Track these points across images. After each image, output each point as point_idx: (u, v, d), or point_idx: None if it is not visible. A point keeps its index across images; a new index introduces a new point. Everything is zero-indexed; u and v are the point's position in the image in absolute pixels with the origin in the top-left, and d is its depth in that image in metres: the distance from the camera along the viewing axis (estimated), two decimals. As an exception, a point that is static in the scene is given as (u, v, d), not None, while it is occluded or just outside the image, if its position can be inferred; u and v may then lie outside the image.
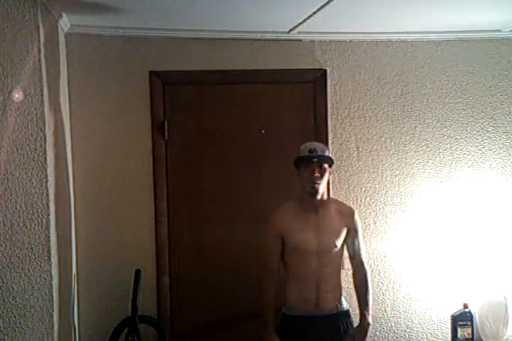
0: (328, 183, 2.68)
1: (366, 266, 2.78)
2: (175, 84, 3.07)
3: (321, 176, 2.59)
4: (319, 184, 2.59)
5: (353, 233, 2.71)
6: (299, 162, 2.63)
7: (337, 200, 2.83)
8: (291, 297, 2.67)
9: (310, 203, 2.64)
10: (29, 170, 2.33)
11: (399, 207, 3.20)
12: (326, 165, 2.62)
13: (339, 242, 2.67)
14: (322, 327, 2.63)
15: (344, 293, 2.76)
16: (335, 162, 2.73)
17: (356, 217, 2.75)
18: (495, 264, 3.18)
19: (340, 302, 2.70)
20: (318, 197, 2.62)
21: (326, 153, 2.65)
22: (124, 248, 3.01)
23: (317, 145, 2.66)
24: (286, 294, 2.68)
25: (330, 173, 2.68)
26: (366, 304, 2.72)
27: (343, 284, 2.77)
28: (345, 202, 3.14)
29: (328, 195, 2.73)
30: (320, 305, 2.63)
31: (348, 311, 2.72)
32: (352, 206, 2.89)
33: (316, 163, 2.58)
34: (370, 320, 2.71)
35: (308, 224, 2.64)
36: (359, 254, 2.76)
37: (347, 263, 3.16)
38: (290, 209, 2.69)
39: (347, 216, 2.71)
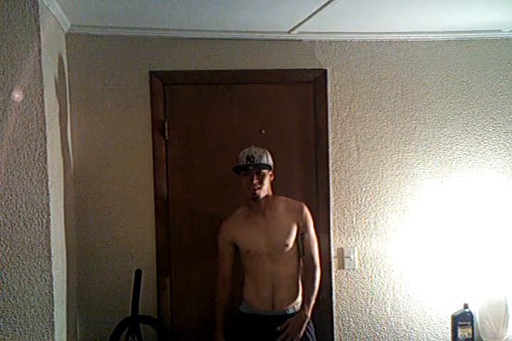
0: (271, 185, 2.75)
1: (316, 262, 2.76)
2: (175, 84, 3.07)
3: (261, 182, 2.68)
4: (259, 189, 2.68)
5: (302, 228, 2.74)
6: (238, 170, 2.71)
7: (286, 198, 2.82)
8: (248, 297, 2.74)
9: (256, 207, 2.74)
10: (29, 170, 2.33)
11: (399, 207, 3.20)
12: (264, 171, 2.70)
13: (290, 241, 2.71)
14: (277, 327, 2.66)
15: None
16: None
17: (305, 211, 2.77)
18: (495, 264, 3.18)
19: (297, 303, 2.72)
20: (261, 201, 2.70)
21: (264, 159, 2.70)
22: (124, 248, 3.01)
23: (255, 151, 2.71)
24: (243, 294, 2.76)
25: (272, 175, 2.75)
26: (308, 299, 2.70)
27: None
28: (345, 202, 3.16)
29: (273, 194, 2.76)
30: (276, 305, 2.68)
31: None
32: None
33: (254, 170, 2.66)
34: (308, 313, 2.68)
35: (257, 227, 2.72)
36: (309, 250, 2.75)
37: (348, 264, 3.17)
38: (239, 215, 2.79)
39: (295, 212, 2.75)
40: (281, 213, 2.74)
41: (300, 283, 2.75)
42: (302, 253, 2.76)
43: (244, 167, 2.68)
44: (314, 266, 2.76)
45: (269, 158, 2.74)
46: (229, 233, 2.77)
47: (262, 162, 2.69)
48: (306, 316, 2.67)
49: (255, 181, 2.66)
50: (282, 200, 2.79)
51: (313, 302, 2.71)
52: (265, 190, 2.70)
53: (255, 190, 2.67)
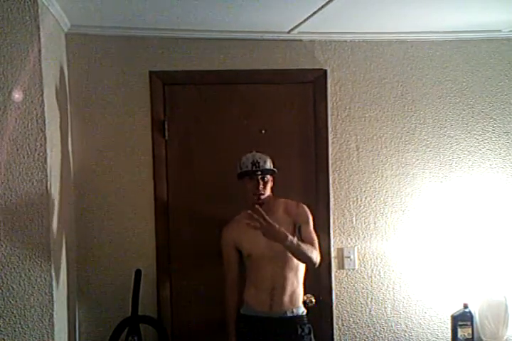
0: (271, 188, 2.76)
1: (316, 247, 2.66)
2: (175, 84, 3.07)
3: (265, 187, 2.71)
4: (263, 194, 2.70)
5: (299, 224, 2.72)
6: (242, 175, 2.72)
7: (286, 200, 2.82)
8: (248, 298, 2.75)
9: None
10: (29, 170, 2.33)
11: (399, 207, 3.20)
12: (268, 176, 2.73)
13: None
14: (275, 329, 2.68)
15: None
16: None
17: (303, 209, 2.76)
18: (495, 264, 3.18)
19: (296, 307, 2.71)
20: (263, 205, 2.67)
21: (268, 164, 2.73)
22: (124, 248, 3.01)
23: (259, 156, 2.73)
24: (243, 296, 2.77)
25: (273, 181, 2.76)
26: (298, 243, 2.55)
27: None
28: (345, 202, 3.17)
29: (273, 196, 2.77)
30: (274, 308, 2.68)
31: (303, 316, 2.72)
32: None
33: (259, 176, 2.68)
34: (290, 238, 2.49)
35: (258, 231, 2.65)
36: (307, 239, 2.67)
37: (348, 264, 3.18)
38: (240, 220, 2.77)
39: (293, 212, 2.76)
40: (281, 216, 2.74)
41: (302, 289, 2.74)
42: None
43: (251, 173, 2.69)
44: (314, 248, 2.63)
45: (271, 163, 2.77)
46: (231, 238, 2.78)
47: (267, 167, 2.72)
48: (286, 236, 2.48)
49: (261, 187, 2.69)
50: (282, 202, 2.80)
51: (300, 247, 2.53)
52: (267, 194, 2.73)
53: (260, 195, 2.69)
